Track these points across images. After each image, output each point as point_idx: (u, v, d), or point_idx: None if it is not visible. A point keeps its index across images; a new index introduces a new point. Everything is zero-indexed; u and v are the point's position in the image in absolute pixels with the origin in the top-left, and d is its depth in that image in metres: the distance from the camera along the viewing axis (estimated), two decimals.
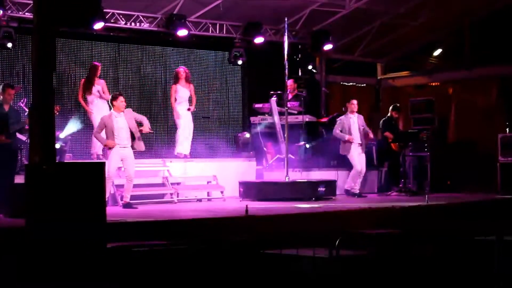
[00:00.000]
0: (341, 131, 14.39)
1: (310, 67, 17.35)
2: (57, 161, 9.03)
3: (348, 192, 14.41)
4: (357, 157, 14.30)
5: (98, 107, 13.74)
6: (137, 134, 11.98)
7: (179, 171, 14.09)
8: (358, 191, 14.27)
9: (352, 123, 14.40)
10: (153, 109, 16.06)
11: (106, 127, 11.90)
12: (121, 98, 12.04)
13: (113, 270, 7.21)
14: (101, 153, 13.24)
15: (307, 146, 15.51)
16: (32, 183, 7.79)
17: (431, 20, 17.53)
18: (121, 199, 12.17)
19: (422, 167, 15.70)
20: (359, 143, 14.35)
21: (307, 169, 14.99)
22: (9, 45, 13.68)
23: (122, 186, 12.29)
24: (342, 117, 14.61)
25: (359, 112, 14.76)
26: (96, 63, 14.15)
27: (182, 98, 14.55)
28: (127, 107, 12.20)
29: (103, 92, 13.81)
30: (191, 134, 14.67)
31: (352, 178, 14.38)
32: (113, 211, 10.99)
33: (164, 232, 9.02)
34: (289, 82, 15.14)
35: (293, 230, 9.63)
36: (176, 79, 14.63)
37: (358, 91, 19.60)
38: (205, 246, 7.90)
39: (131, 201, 12.04)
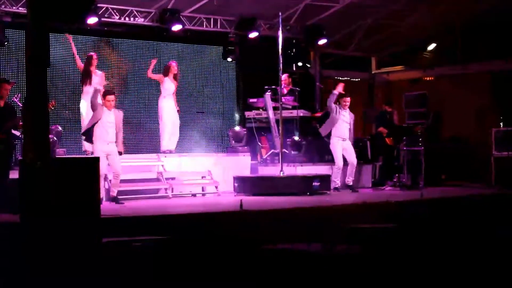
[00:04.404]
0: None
1: (300, 63, 17.35)
2: None
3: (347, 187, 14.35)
4: (340, 151, 14.22)
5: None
6: (120, 138, 11.91)
7: (174, 166, 14.06)
8: (339, 185, 14.18)
9: (342, 117, 14.27)
10: (147, 104, 16.03)
11: (96, 112, 11.79)
12: (108, 97, 11.78)
13: (108, 265, 7.21)
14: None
15: (296, 138, 15.37)
16: (26, 178, 7.79)
17: (425, 16, 17.51)
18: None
19: (417, 161, 15.66)
20: (343, 138, 14.26)
21: (301, 164, 14.98)
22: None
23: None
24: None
25: (353, 106, 14.68)
26: (91, 53, 13.75)
27: (168, 91, 14.25)
28: (122, 101, 12.07)
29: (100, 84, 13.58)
30: (177, 129, 14.36)
31: (334, 174, 14.29)
32: (107, 207, 11.00)
33: (159, 227, 9.02)
34: (284, 77, 15.11)
35: (288, 225, 9.64)
36: (166, 72, 14.31)
37: (352, 85, 19.60)
38: (200, 241, 7.89)
39: (118, 197, 11.95)
